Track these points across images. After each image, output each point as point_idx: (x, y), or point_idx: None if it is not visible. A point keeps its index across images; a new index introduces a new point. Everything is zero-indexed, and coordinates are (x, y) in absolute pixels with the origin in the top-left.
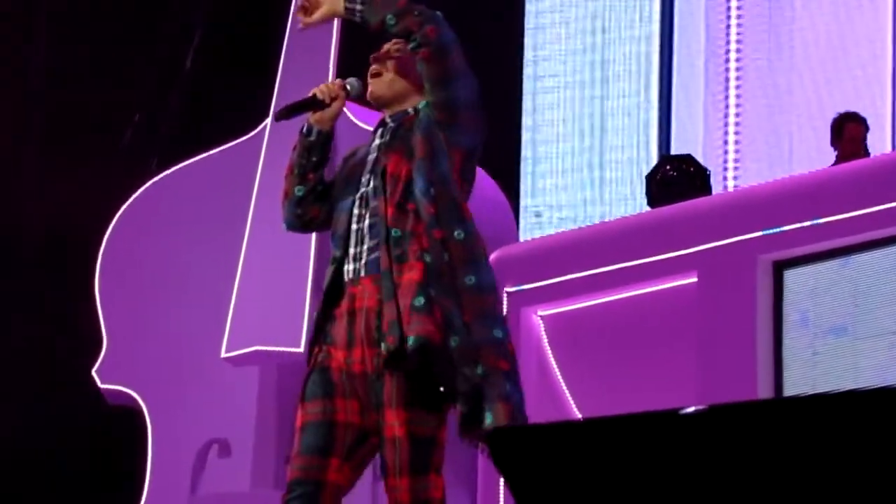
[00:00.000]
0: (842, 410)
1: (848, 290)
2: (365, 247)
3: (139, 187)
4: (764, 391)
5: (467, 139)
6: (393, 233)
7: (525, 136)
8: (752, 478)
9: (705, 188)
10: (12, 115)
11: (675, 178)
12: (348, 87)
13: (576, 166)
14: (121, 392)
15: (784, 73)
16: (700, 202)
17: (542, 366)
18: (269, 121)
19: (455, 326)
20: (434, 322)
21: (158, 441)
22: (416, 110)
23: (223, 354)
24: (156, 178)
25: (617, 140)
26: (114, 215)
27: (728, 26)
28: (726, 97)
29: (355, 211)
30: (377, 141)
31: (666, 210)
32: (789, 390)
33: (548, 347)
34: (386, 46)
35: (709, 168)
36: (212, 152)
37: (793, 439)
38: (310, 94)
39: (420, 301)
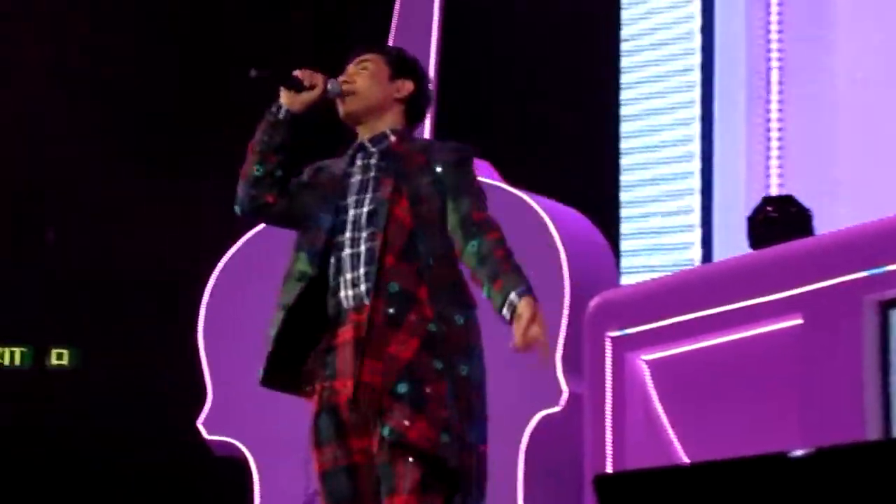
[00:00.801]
0: None
1: None
2: (362, 271)
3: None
4: (871, 433)
5: None
6: (390, 287)
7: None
8: None
9: (807, 229)
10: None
11: (777, 219)
12: (329, 85)
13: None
14: (227, 443)
15: (828, 112)
16: (803, 243)
17: (648, 410)
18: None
19: (457, 417)
20: (412, 414)
21: (265, 491)
22: (401, 135)
23: None
24: (259, 227)
25: (664, 188)
26: (218, 247)
27: (769, 69)
28: (768, 139)
29: (347, 234)
30: (358, 163)
31: (768, 251)
32: None
33: (653, 392)
34: (351, 67)
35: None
36: None
37: None
38: (294, 74)
39: (403, 388)
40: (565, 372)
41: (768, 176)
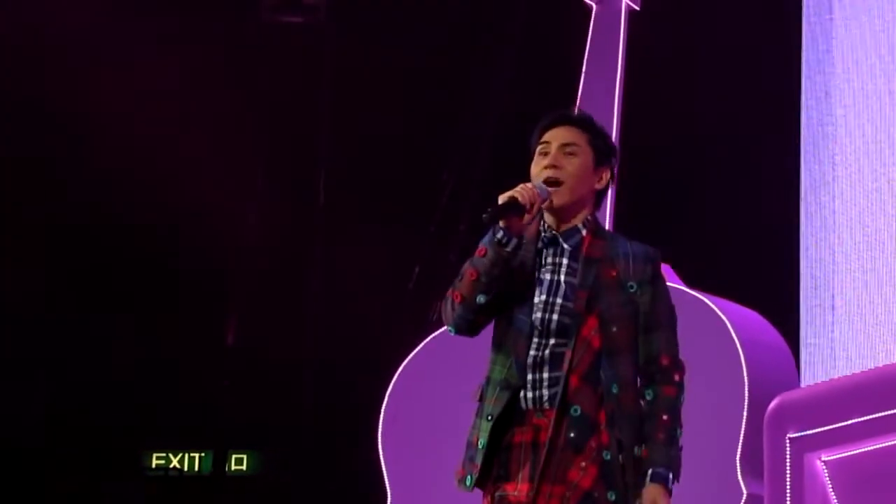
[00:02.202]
0: None
1: None
2: (545, 375)
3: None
4: None
5: None
6: (572, 410)
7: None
8: None
9: None
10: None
11: None
12: (540, 191)
13: None
14: None
15: None
16: None
17: None
18: None
19: None
20: None
21: None
22: (592, 229)
23: None
24: (438, 331)
25: None
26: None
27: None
28: None
29: (535, 339)
30: (549, 259)
31: None
32: None
33: (832, 493)
34: (556, 149)
35: None
36: None
37: None
38: (508, 197)
39: None
40: (745, 474)
41: None
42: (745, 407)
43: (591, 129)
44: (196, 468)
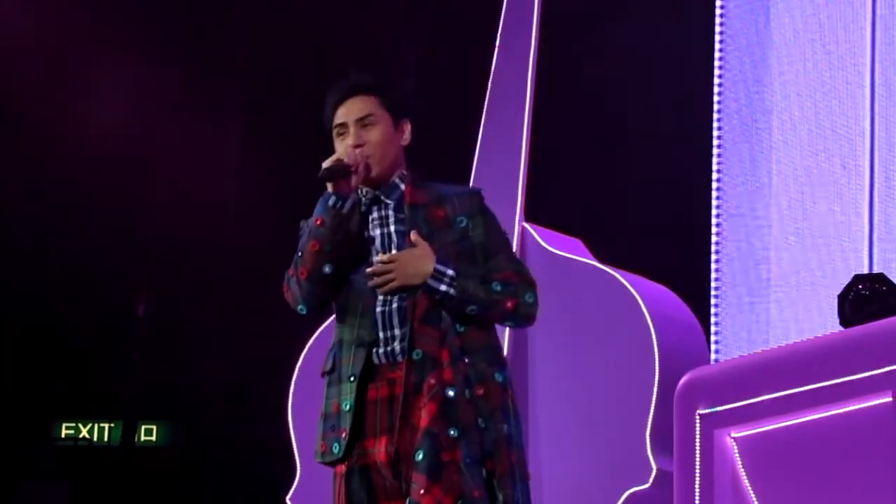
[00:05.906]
0: None
1: None
2: (396, 331)
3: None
4: None
5: None
6: (415, 354)
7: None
8: None
9: None
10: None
11: (868, 297)
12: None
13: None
14: None
15: None
16: (893, 321)
17: (736, 488)
18: None
19: (477, 482)
20: (428, 482)
21: None
22: (410, 181)
23: None
24: None
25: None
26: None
27: None
28: None
29: (379, 297)
30: (374, 215)
31: (858, 330)
32: None
33: (741, 470)
34: (353, 128)
35: None
36: None
37: None
38: (333, 160)
39: (419, 456)
40: (655, 449)
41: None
42: (656, 383)
43: (380, 91)
44: (106, 438)
